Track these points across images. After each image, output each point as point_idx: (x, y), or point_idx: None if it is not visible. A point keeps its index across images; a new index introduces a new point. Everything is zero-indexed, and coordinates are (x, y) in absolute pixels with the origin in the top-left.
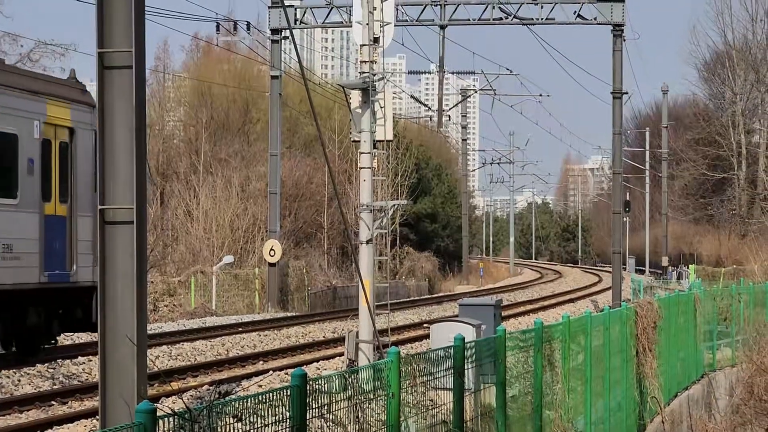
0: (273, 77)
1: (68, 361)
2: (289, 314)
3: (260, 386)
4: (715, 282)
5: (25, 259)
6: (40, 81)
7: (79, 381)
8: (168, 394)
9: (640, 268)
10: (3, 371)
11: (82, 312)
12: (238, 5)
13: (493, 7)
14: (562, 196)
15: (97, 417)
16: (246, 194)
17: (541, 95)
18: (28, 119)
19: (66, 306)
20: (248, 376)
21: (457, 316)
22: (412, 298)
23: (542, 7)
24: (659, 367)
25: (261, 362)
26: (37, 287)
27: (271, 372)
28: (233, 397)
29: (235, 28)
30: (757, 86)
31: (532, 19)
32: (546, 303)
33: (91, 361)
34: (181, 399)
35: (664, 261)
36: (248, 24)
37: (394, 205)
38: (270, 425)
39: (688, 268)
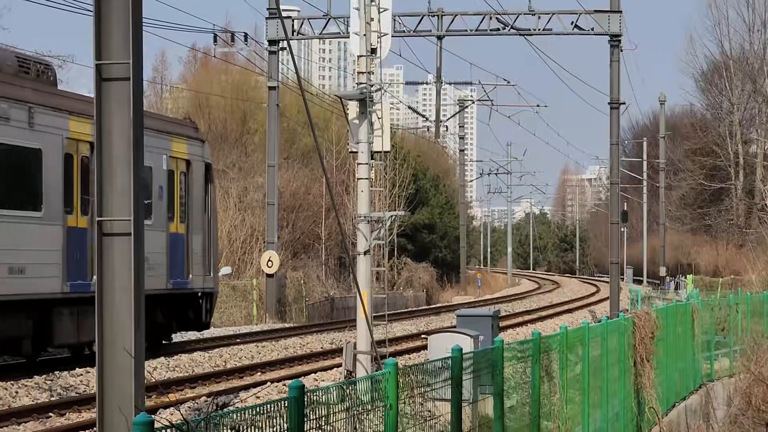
0: (270, 88)
1: (66, 372)
2: (286, 325)
3: (258, 398)
4: (712, 292)
5: (157, 270)
6: (167, 122)
7: (76, 393)
8: (166, 406)
9: (638, 278)
10: (0, 383)
11: (194, 313)
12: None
13: (491, 18)
14: (559, 207)
15: (95, 429)
16: (244, 205)
17: (538, 106)
18: (159, 154)
19: (182, 308)
20: (246, 388)
21: (454, 326)
22: (409, 309)
23: (539, 17)
24: (657, 377)
25: (259, 373)
26: (165, 293)
27: (268, 383)
28: (231, 408)
29: (232, 40)
30: (754, 96)
31: (530, 29)
32: (544, 313)
33: (88, 372)
34: (179, 411)
35: (662, 271)
36: (246, 35)
37: (391, 216)
38: None
39: (685, 278)
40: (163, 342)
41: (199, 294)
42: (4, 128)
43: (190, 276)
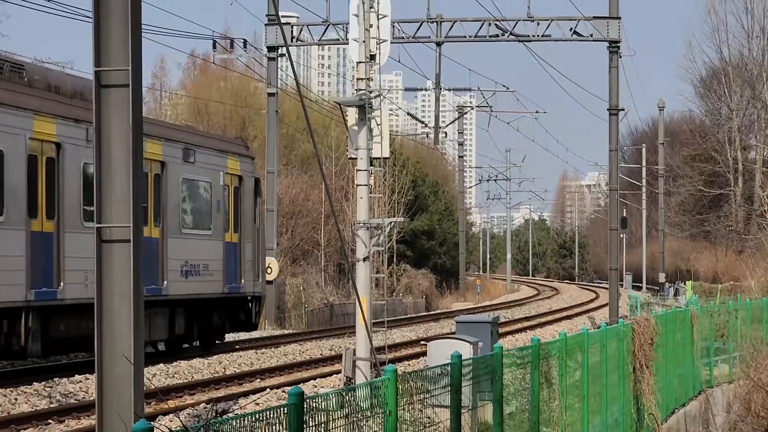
0: (270, 94)
1: (65, 379)
2: (286, 332)
3: (257, 404)
4: (712, 298)
5: (215, 275)
6: (222, 141)
7: (76, 399)
8: (165, 413)
9: (637, 284)
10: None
11: (245, 315)
12: (235, 23)
13: (489, 24)
14: (559, 213)
15: None
16: None
17: (537, 112)
18: (217, 171)
19: (235, 311)
20: (245, 394)
21: (454, 333)
22: (409, 316)
23: (538, 24)
24: (656, 383)
25: (258, 380)
26: (221, 296)
27: (268, 390)
28: (230, 415)
29: (231, 46)
30: (753, 102)
31: (529, 36)
32: (543, 320)
33: (88, 379)
34: (178, 417)
35: (661, 277)
36: (245, 41)
37: (390, 223)
38: None
39: (685, 284)
40: (216, 342)
41: (249, 297)
42: None
43: (242, 281)
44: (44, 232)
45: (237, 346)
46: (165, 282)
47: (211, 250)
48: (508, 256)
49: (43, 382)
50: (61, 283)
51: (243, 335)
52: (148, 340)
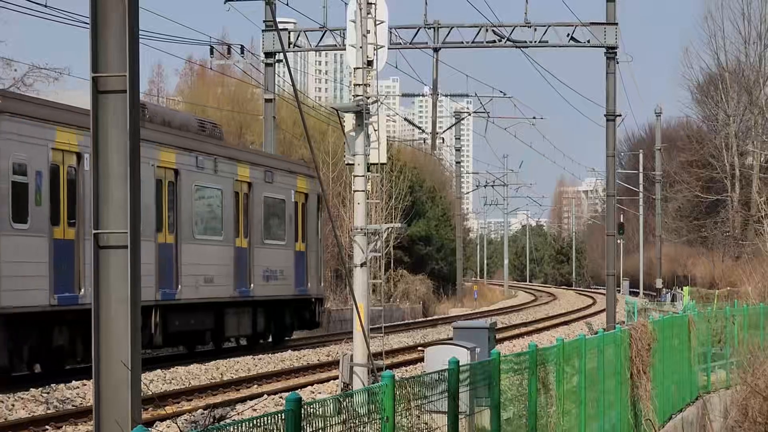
0: (267, 100)
1: (62, 385)
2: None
3: (255, 410)
4: (709, 304)
5: (288, 280)
6: (292, 163)
7: (73, 405)
8: (162, 419)
9: (634, 290)
10: None
11: (309, 315)
12: (232, 29)
13: (487, 30)
14: (556, 219)
15: None
16: None
17: (534, 118)
18: (289, 189)
19: (301, 311)
20: (243, 400)
21: (451, 338)
22: (406, 321)
23: (535, 30)
24: (654, 389)
25: (255, 386)
26: (291, 298)
27: (265, 396)
28: (228, 421)
29: (228, 52)
30: (750, 108)
31: (526, 41)
32: (540, 325)
33: (85, 385)
34: (176, 423)
35: (658, 283)
36: (242, 47)
37: (387, 228)
38: None
39: (682, 290)
40: (285, 338)
41: (313, 299)
42: None
43: (308, 285)
44: (167, 243)
45: (235, 353)
46: (252, 285)
47: (285, 258)
48: (506, 261)
49: (40, 388)
50: (179, 286)
51: (241, 341)
52: (236, 335)
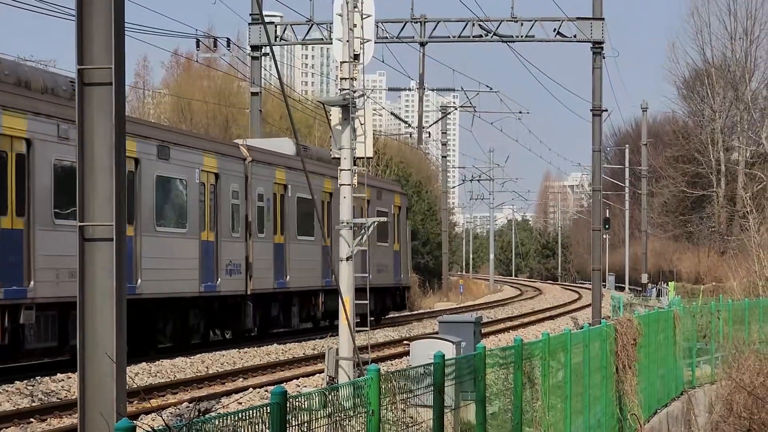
0: (253, 94)
1: (47, 378)
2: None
3: (240, 403)
4: (694, 299)
5: (389, 272)
6: (392, 184)
7: (58, 398)
8: (147, 412)
9: (620, 285)
10: None
11: (400, 299)
12: (218, 22)
13: (473, 25)
14: (541, 213)
15: None
16: None
17: (521, 112)
18: (390, 204)
19: (395, 296)
20: (228, 394)
21: (437, 333)
22: (392, 315)
23: (522, 24)
24: (639, 384)
25: (241, 379)
26: (391, 286)
27: (251, 389)
28: (213, 414)
29: (215, 45)
30: (736, 104)
31: (512, 36)
32: (526, 320)
33: (70, 378)
34: (161, 416)
35: (644, 278)
36: (228, 40)
37: (374, 222)
38: None
39: (667, 285)
40: (383, 317)
41: (402, 287)
42: None
43: (402, 275)
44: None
45: (220, 346)
46: (370, 275)
47: (389, 256)
48: (491, 256)
49: (24, 381)
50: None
51: (226, 334)
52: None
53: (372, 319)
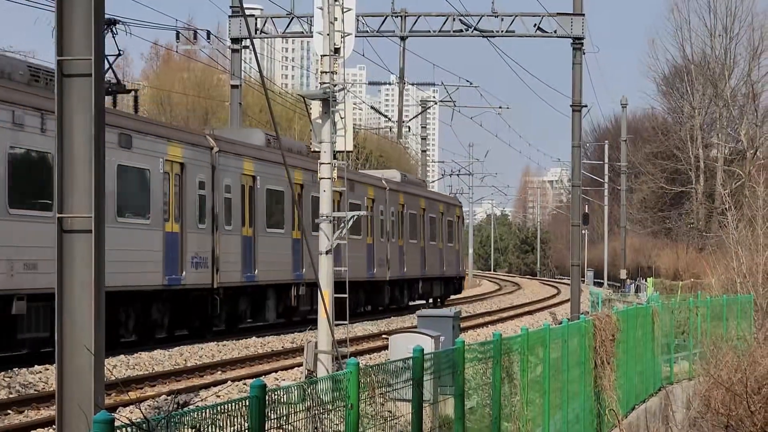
0: (233, 86)
1: (25, 369)
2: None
3: (218, 396)
4: (672, 295)
5: (453, 265)
6: (450, 198)
7: (35, 390)
8: (126, 404)
9: (599, 280)
10: None
11: (454, 287)
12: (199, 14)
13: (454, 20)
14: (521, 208)
15: (54, 426)
16: None
17: (500, 107)
18: (453, 213)
19: (455, 283)
20: (206, 386)
21: (416, 327)
22: (370, 309)
23: (502, 19)
24: (617, 379)
25: (219, 372)
26: (452, 276)
27: (229, 382)
28: (191, 407)
29: (195, 37)
30: (715, 101)
31: (492, 31)
32: (505, 315)
33: (48, 370)
34: (139, 409)
35: (623, 274)
36: (208, 33)
37: (353, 216)
38: None
39: (646, 281)
40: (442, 302)
41: (460, 276)
42: None
43: (460, 268)
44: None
45: (198, 339)
46: (444, 268)
47: (453, 254)
48: (470, 251)
49: (2, 373)
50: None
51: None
52: (430, 296)
53: (438, 297)
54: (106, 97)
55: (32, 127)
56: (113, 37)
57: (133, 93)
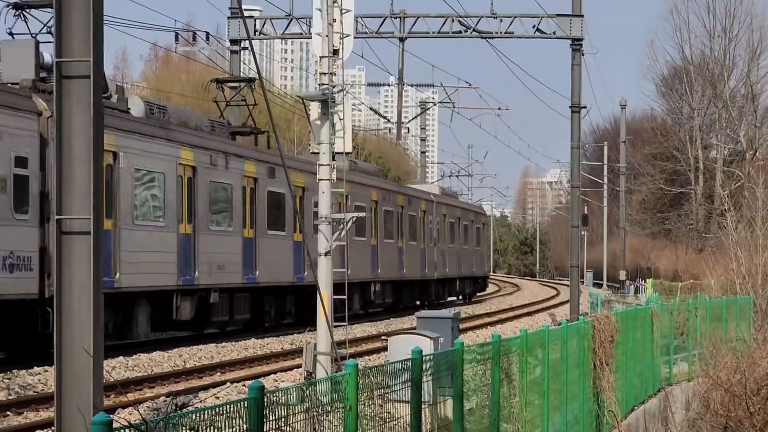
0: (232, 88)
1: (24, 371)
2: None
3: (217, 398)
4: (672, 296)
5: (479, 266)
6: (477, 207)
7: (35, 392)
8: (124, 406)
9: (598, 281)
10: None
11: (482, 284)
12: (198, 15)
13: (453, 21)
14: (520, 209)
15: (53, 428)
16: None
17: (500, 108)
18: (480, 222)
19: (480, 282)
20: (205, 388)
21: (415, 328)
22: (370, 310)
23: (501, 20)
24: (616, 381)
25: (218, 374)
26: (479, 276)
27: (228, 384)
28: (190, 408)
29: (194, 38)
30: (714, 102)
31: (492, 32)
32: (504, 316)
33: (47, 371)
34: (138, 411)
35: (622, 275)
36: (207, 34)
37: (352, 218)
38: None
39: (645, 282)
40: (471, 298)
41: (485, 276)
42: None
43: (485, 268)
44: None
45: (198, 341)
46: (474, 268)
47: (478, 255)
48: None
49: (1, 374)
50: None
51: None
52: (462, 292)
53: (470, 293)
54: None
55: (221, 165)
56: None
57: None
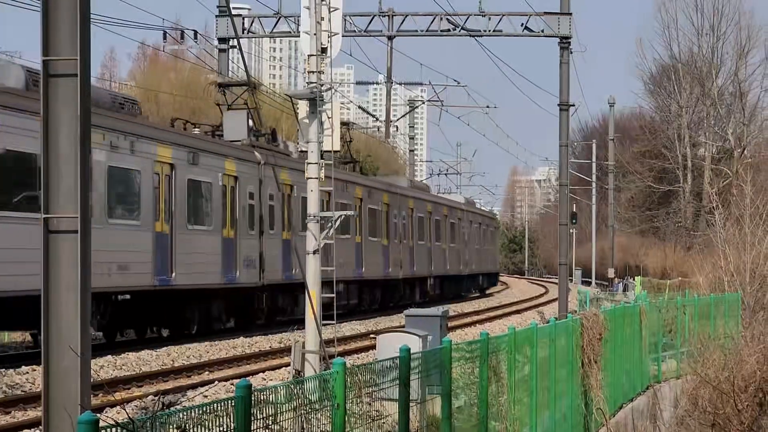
0: (220, 86)
1: (11, 370)
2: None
3: (205, 397)
4: (660, 294)
5: (493, 263)
6: (490, 214)
7: (22, 391)
8: (112, 405)
9: (587, 279)
10: None
11: (494, 280)
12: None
13: (441, 19)
14: (509, 208)
15: (40, 427)
16: None
17: (488, 107)
18: (494, 227)
19: (493, 277)
20: (193, 387)
21: (403, 326)
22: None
23: (490, 19)
24: (605, 378)
25: (206, 372)
26: (491, 272)
27: (216, 382)
28: (178, 407)
29: (182, 37)
30: (702, 100)
31: (480, 30)
32: (492, 314)
33: (34, 370)
34: (125, 410)
35: (611, 273)
36: (195, 33)
37: (341, 216)
38: None
39: (633, 279)
40: (478, 293)
41: (496, 272)
42: None
43: (497, 265)
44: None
45: (185, 339)
46: (491, 265)
47: (492, 253)
48: None
49: None
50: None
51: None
52: (478, 287)
53: (485, 288)
54: None
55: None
56: None
57: None
